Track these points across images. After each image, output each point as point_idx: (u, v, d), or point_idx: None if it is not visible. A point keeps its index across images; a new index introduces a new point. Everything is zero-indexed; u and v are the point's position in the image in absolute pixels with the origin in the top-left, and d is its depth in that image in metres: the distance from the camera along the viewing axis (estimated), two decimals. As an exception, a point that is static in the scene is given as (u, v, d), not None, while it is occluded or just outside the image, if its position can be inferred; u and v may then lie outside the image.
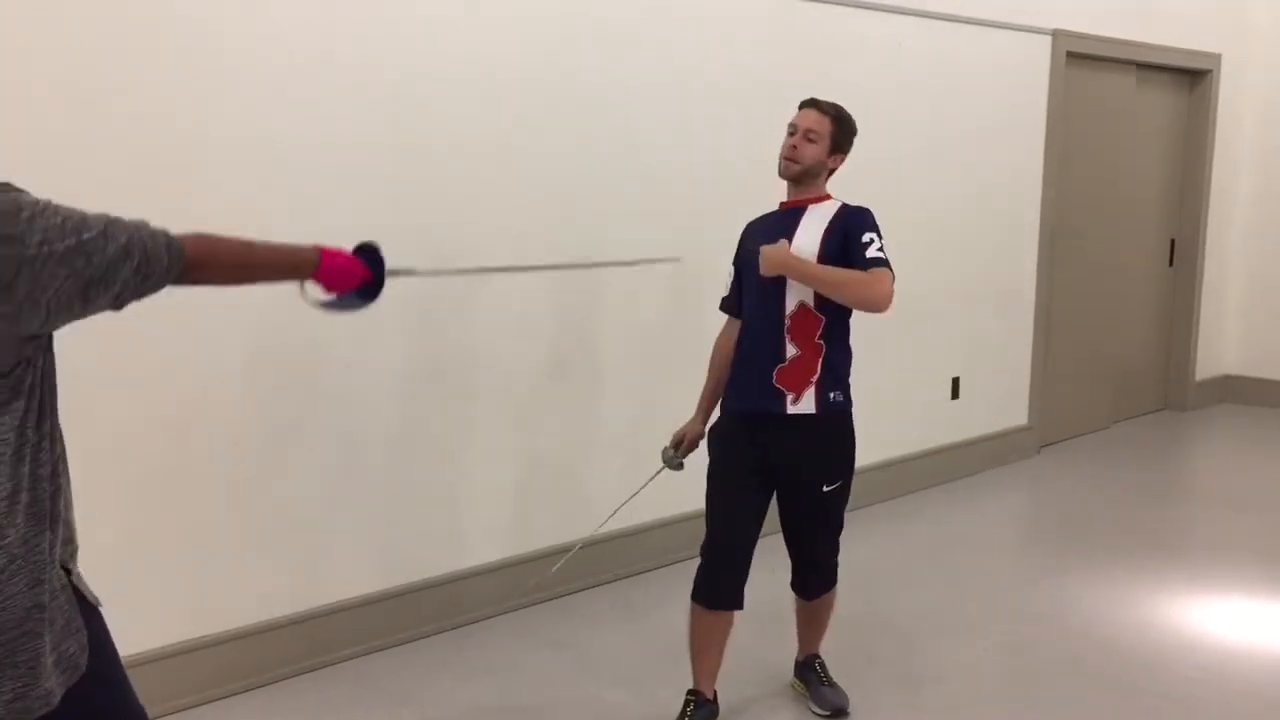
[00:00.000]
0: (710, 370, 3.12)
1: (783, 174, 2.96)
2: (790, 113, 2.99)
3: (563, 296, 3.93)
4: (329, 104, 3.29)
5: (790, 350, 2.87)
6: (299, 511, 3.38)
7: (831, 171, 2.99)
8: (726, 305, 3.11)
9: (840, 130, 2.94)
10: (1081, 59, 5.91)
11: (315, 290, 1.91)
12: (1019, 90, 5.61)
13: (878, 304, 2.81)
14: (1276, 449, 6.37)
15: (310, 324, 3.28)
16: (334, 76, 3.29)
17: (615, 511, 3.49)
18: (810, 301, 2.86)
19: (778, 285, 2.87)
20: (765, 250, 2.83)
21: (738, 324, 3.05)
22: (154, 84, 2.96)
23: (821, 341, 2.89)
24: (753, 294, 2.97)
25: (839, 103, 2.99)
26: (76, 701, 1.58)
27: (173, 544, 3.14)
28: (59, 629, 1.54)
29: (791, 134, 2.93)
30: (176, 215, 2.93)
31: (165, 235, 1.59)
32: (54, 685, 1.53)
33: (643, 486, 3.36)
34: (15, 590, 1.47)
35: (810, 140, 2.90)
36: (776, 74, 4.35)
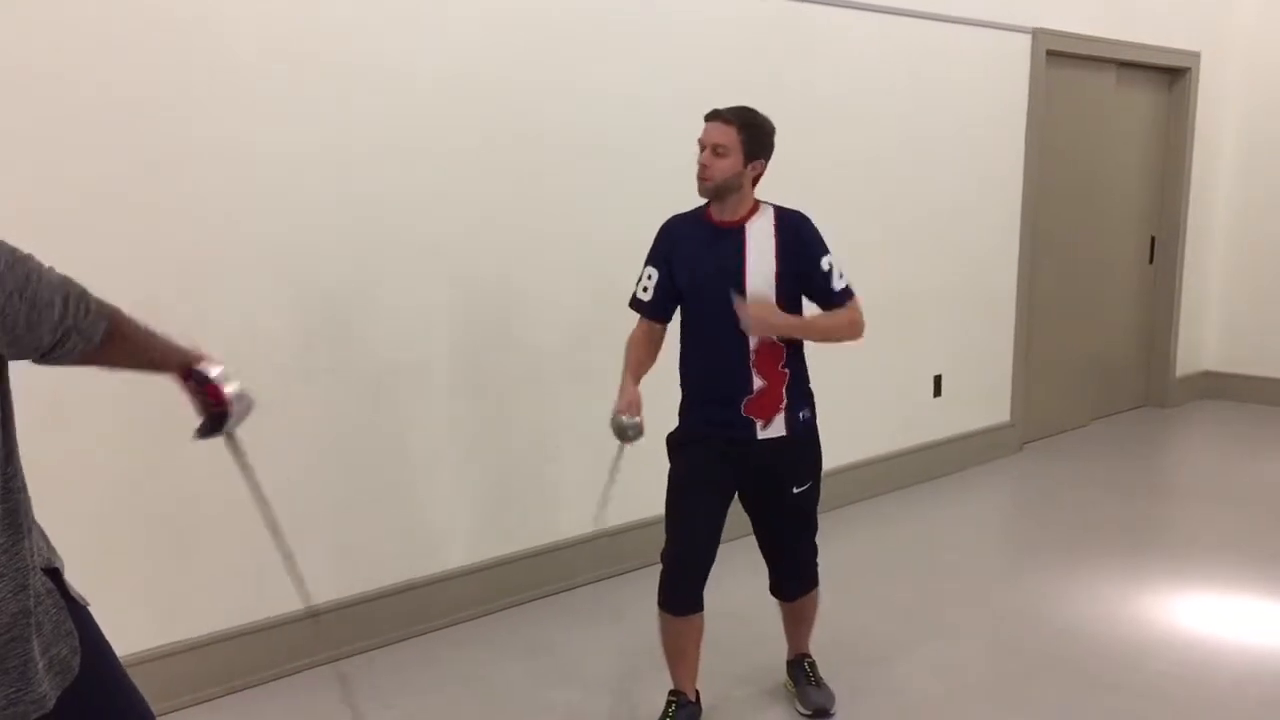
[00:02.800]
0: (630, 354, 2.95)
1: (701, 194, 2.84)
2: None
3: (533, 298, 3.90)
4: (311, 104, 3.26)
5: (757, 382, 2.83)
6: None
7: (756, 179, 2.84)
8: (642, 307, 2.96)
9: (751, 137, 2.77)
10: (1061, 57, 5.92)
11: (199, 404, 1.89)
12: (999, 88, 5.62)
13: (859, 337, 2.90)
14: (1256, 444, 6.40)
15: (276, 331, 3.27)
16: (316, 76, 3.26)
17: (605, 502, 3.25)
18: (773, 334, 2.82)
19: (739, 322, 2.77)
20: (754, 312, 2.70)
21: (653, 325, 2.96)
22: (138, 84, 2.93)
23: (785, 369, 2.86)
24: (707, 323, 2.84)
25: (753, 106, 2.82)
26: (73, 703, 1.58)
27: (140, 551, 3.11)
28: (48, 633, 1.55)
29: (701, 150, 2.80)
30: (165, 215, 2.94)
31: (90, 295, 1.58)
32: (47, 689, 1.53)
33: (615, 463, 3.03)
34: None
35: (719, 155, 2.75)
36: (752, 73, 4.33)
